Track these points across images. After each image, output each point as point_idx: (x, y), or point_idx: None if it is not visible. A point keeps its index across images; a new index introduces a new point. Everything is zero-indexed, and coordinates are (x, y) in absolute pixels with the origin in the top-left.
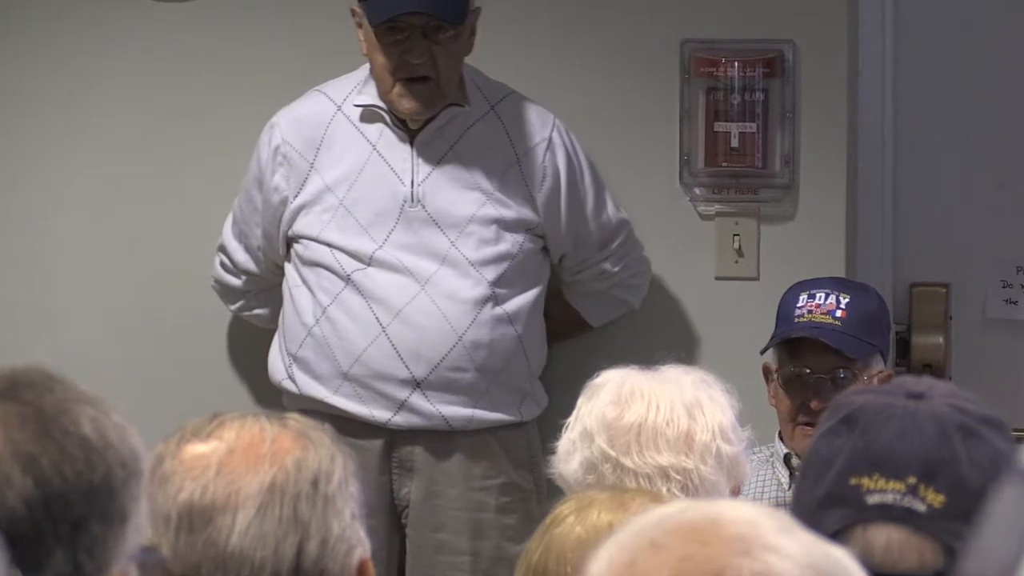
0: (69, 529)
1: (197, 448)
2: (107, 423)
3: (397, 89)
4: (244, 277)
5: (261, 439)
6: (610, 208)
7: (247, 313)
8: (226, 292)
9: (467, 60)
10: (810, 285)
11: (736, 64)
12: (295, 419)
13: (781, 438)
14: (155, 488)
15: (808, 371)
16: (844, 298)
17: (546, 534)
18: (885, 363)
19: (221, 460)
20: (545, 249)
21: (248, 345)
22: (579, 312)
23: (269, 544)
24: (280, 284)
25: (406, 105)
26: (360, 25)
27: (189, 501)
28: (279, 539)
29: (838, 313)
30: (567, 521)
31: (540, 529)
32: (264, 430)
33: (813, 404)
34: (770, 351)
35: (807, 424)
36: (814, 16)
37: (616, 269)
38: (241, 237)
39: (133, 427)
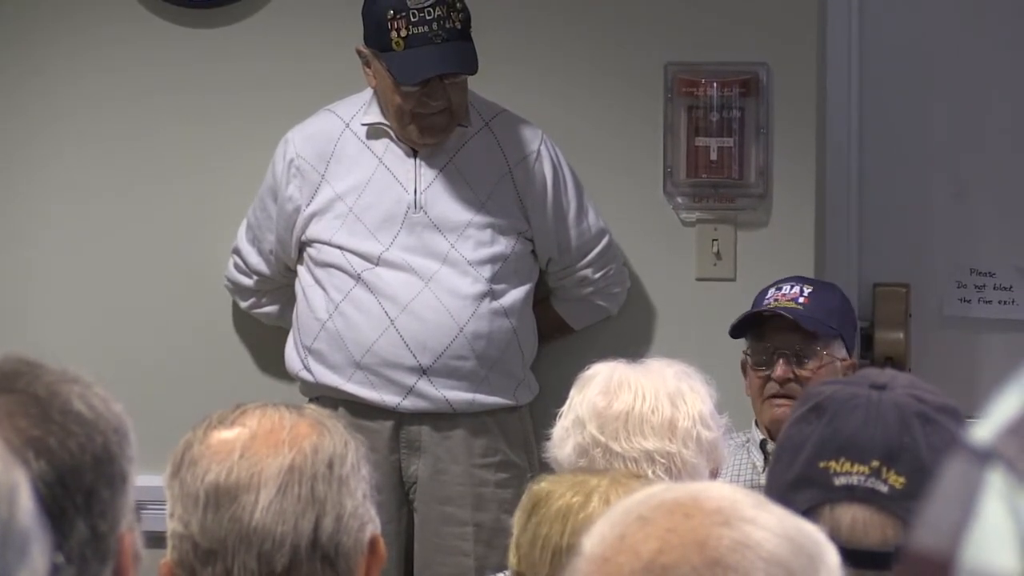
0: (84, 499)
1: (222, 434)
2: (93, 396)
3: (414, 125)
4: (256, 278)
5: (281, 426)
6: (591, 217)
7: (257, 311)
8: (238, 291)
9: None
10: (779, 282)
11: (715, 84)
12: (311, 408)
13: (757, 425)
14: (184, 471)
15: (772, 347)
16: (807, 288)
17: (535, 513)
18: (849, 353)
19: (244, 445)
20: (534, 252)
21: (255, 343)
22: (562, 316)
23: (289, 520)
24: (287, 285)
25: (424, 140)
26: (368, 64)
27: (215, 482)
28: (298, 515)
29: (800, 300)
30: (564, 497)
31: (524, 508)
32: (283, 418)
33: (776, 373)
34: (745, 345)
35: (774, 396)
36: (786, 41)
37: (596, 276)
38: (255, 241)
39: (113, 395)
